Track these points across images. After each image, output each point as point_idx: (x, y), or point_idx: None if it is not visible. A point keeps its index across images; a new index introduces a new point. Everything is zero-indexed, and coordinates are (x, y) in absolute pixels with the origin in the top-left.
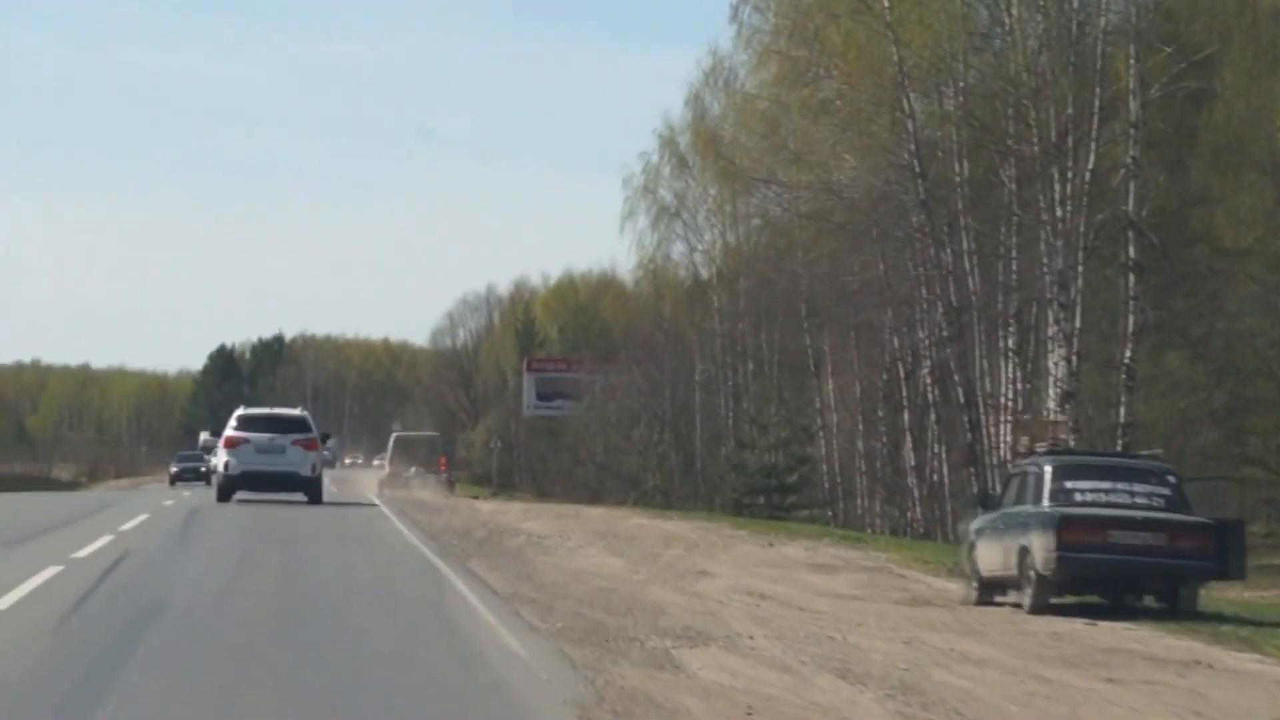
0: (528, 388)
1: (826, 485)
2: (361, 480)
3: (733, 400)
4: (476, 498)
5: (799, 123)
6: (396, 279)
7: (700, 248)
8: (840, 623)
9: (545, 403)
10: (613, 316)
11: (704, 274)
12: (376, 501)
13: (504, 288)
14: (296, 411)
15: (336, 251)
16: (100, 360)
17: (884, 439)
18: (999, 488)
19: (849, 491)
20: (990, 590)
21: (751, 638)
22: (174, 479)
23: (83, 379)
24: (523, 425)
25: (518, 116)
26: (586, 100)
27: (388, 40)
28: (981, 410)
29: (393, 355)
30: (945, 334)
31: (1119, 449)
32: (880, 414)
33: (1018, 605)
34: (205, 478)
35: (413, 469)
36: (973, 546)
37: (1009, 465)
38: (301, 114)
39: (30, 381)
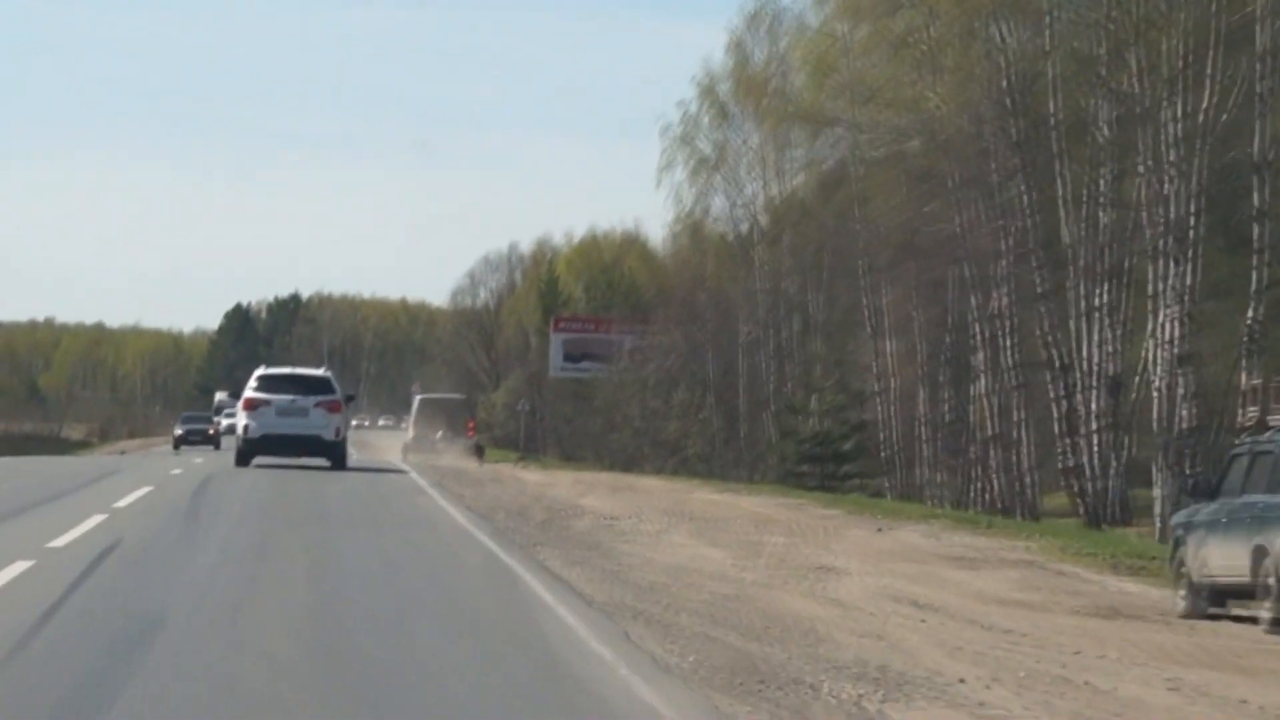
0: (554, 348)
1: (884, 454)
2: (382, 443)
3: (774, 362)
4: (520, 464)
5: (872, 58)
6: (414, 238)
7: (741, 202)
8: (1059, 651)
9: (573, 364)
10: (639, 276)
11: (745, 229)
12: (405, 468)
13: (526, 246)
14: (319, 371)
15: (354, 210)
16: (115, 319)
17: (948, 404)
18: (1187, 468)
19: (908, 460)
20: (1207, 598)
21: (963, 681)
22: (178, 442)
23: (96, 337)
24: (548, 387)
25: (539, 84)
26: (606, 66)
27: (412, 9)
28: (1080, 374)
29: (410, 315)
30: (1041, 290)
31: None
32: (943, 378)
33: (1248, 619)
34: (214, 440)
35: (439, 433)
36: (1181, 543)
37: (1236, 442)
38: (322, 78)
39: (43, 339)
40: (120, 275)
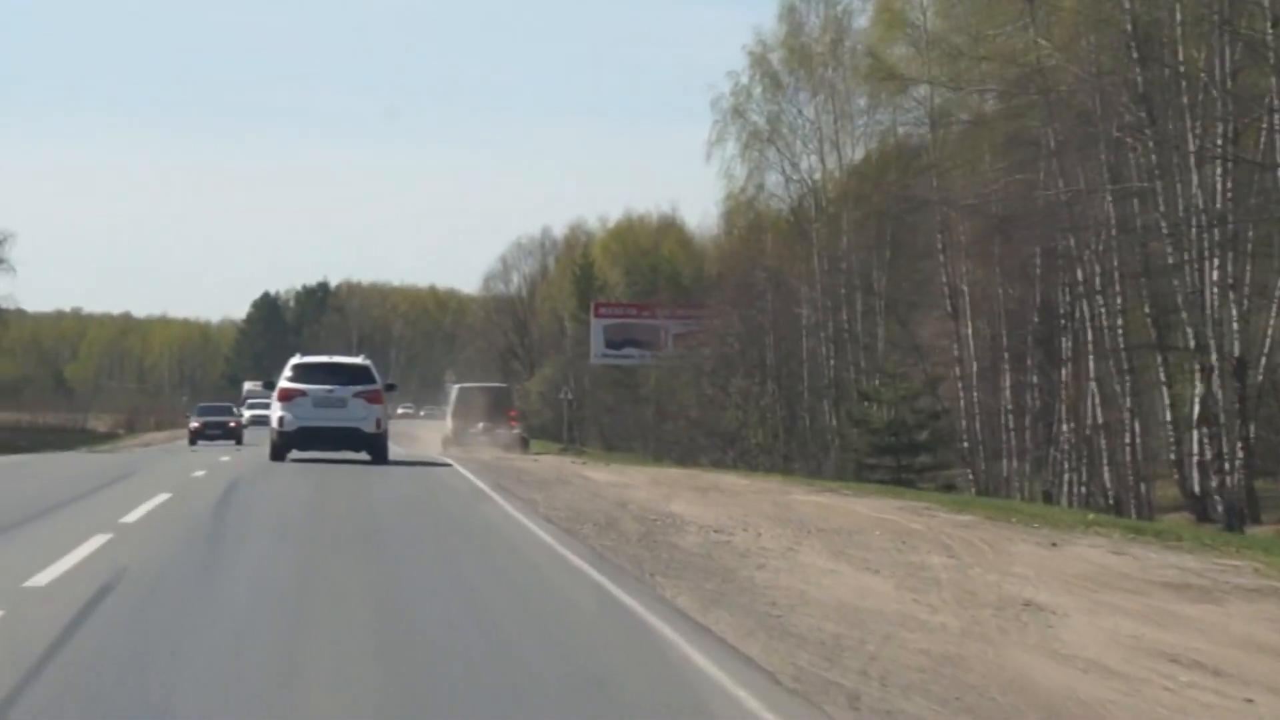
0: (595, 334)
1: (965, 444)
2: (419, 434)
3: (833, 347)
4: (581, 459)
5: (962, 8)
6: (444, 224)
7: (796, 177)
8: None
9: (615, 350)
10: (679, 260)
11: (802, 205)
12: (450, 461)
13: (559, 231)
14: (358, 360)
15: (383, 197)
16: (142, 309)
17: (1037, 390)
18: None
19: (992, 452)
20: None
21: None
22: (194, 437)
23: (123, 327)
24: (587, 374)
25: (567, 69)
26: (633, 52)
27: None
28: (1214, 356)
29: (440, 302)
30: (1153, 263)
31: None
32: (1030, 361)
33: None
34: (235, 434)
35: (480, 424)
36: None
37: None
38: (349, 63)
39: (70, 329)
40: (147, 265)
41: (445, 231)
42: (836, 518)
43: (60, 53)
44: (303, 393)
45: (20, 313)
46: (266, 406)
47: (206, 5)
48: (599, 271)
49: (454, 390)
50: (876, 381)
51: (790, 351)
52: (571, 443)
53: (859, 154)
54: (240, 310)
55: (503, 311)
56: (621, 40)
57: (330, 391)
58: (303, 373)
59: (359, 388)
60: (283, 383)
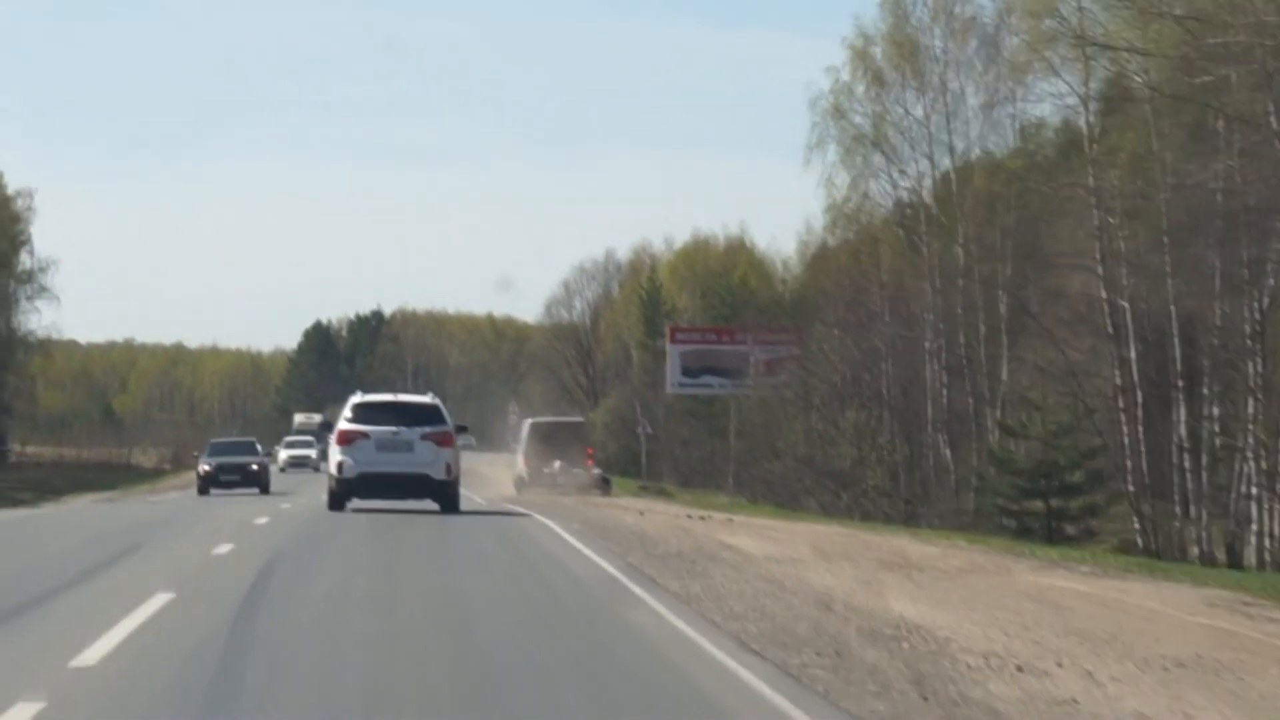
0: (672, 362)
1: (1130, 487)
2: (482, 470)
3: (946, 374)
4: (698, 515)
5: None
6: (501, 250)
7: (904, 184)
8: None
9: (692, 379)
10: (752, 283)
11: (912, 214)
12: (536, 514)
13: (624, 254)
14: (426, 399)
15: (438, 223)
16: (194, 339)
17: (1216, 423)
18: None
19: (1159, 495)
20: None
21: None
22: (205, 484)
23: (173, 357)
24: (658, 405)
25: (609, 96)
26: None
27: (494, 13)
28: None
29: (498, 331)
30: None
31: None
32: (1208, 390)
33: None
34: (258, 480)
35: (556, 463)
36: None
37: None
38: (402, 89)
39: (119, 360)
40: (199, 294)
41: (502, 258)
42: (1155, 629)
43: (109, 82)
44: (364, 435)
45: (71, 343)
46: (308, 446)
47: (260, 32)
48: (667, 295)
49: (525, 426)
50: (999, 412)
51: (910, 380)
52: (651, 480)
53: (975, 155)
54: (292, 340)
55: (565, 339)
56: (680, 63)
57: (395, 434)
58: (364, 413)
59: (427, 429)
60: (342, 424)
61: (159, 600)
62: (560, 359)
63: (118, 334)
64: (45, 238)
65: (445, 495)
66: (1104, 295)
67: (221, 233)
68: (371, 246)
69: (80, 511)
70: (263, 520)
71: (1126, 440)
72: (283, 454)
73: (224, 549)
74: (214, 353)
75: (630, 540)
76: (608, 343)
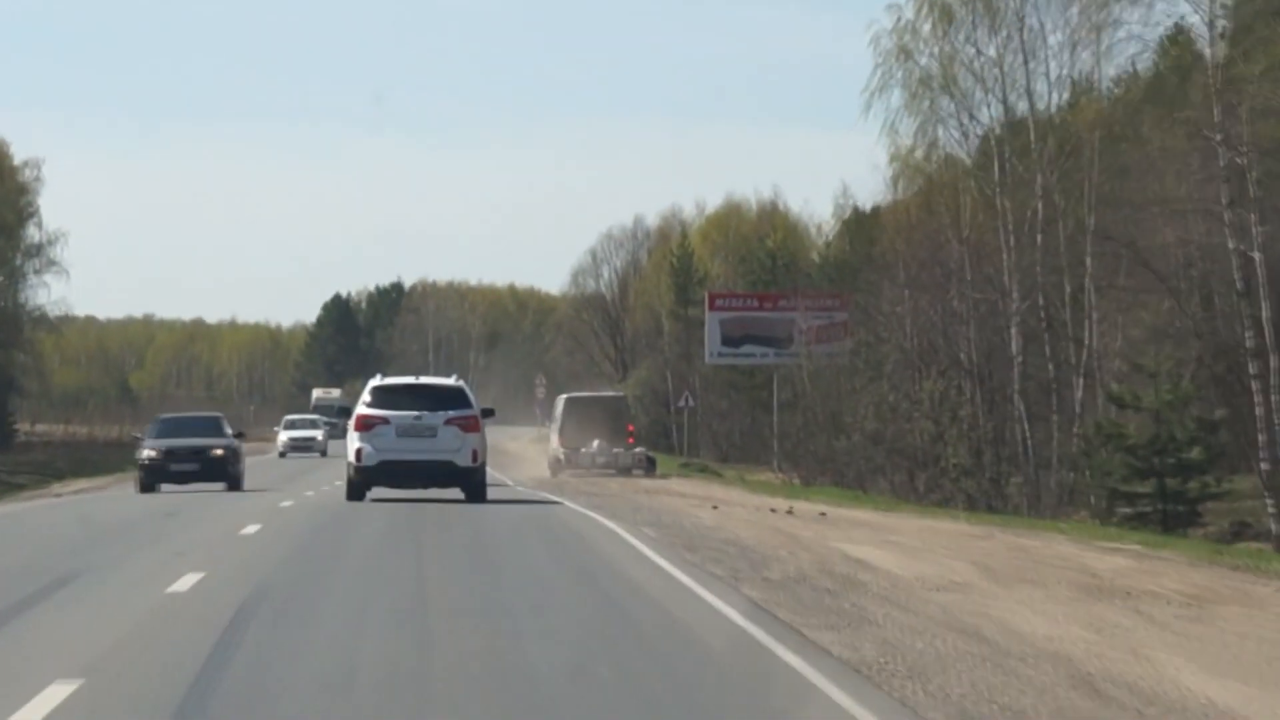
0: (711, 330)
1: (1263, 464)
2: (510, 448)
3: (1022, 340)
4: (784, 509)
5: None
6: (524, 220)
7: (977, 131)
8: None
9: (732, 348)
10: (790, 248)
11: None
12: (573, 501)
13: (652, 220)
14: (450, 381)
15: (459, 192)
16: (213, 314)
17: None
18: None
19: None
20: None
21: None
22: (149, 477)
23: (191, 333)
24: (695, 376)
25: (637, 68)
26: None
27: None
28: None
29: (520, 302)
30: None
31: None
32: None
33: None
34: (220, 471)
35: (595, 442)
36: None
37: None
38: (420, 62)
39: (136, 336)
40: (218, 269)
41: (525, 227)
42: None
43: (129, 58)
44: (385, 420)
45: (89, 320)
46: (313, 426)
47: (286, 7)
48: (699, 262)
49: (560, 402)
50: (1084, 378)
51: (994, 347)
52: (688, 456)
53: (1058, 99)
54: (311, 314)
55: (593, 309)
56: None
57: (418, 418)
58: (384, 396)
59: (451, 413)
60: (361, 409)
61: (54, 696)
62: (587, 330)
63: (138, 310)
64: (59, 211)
65: (471, 483)
66: (1232, 246)
67: (241, 206)
68: (392, 217)
69: (49, 514)
70: (253, 529)
71: (1260, 412)
72: (282, 435)
73: (188, 582)
74: (233, 327)
75: (728, 554)
76: (637, 312)
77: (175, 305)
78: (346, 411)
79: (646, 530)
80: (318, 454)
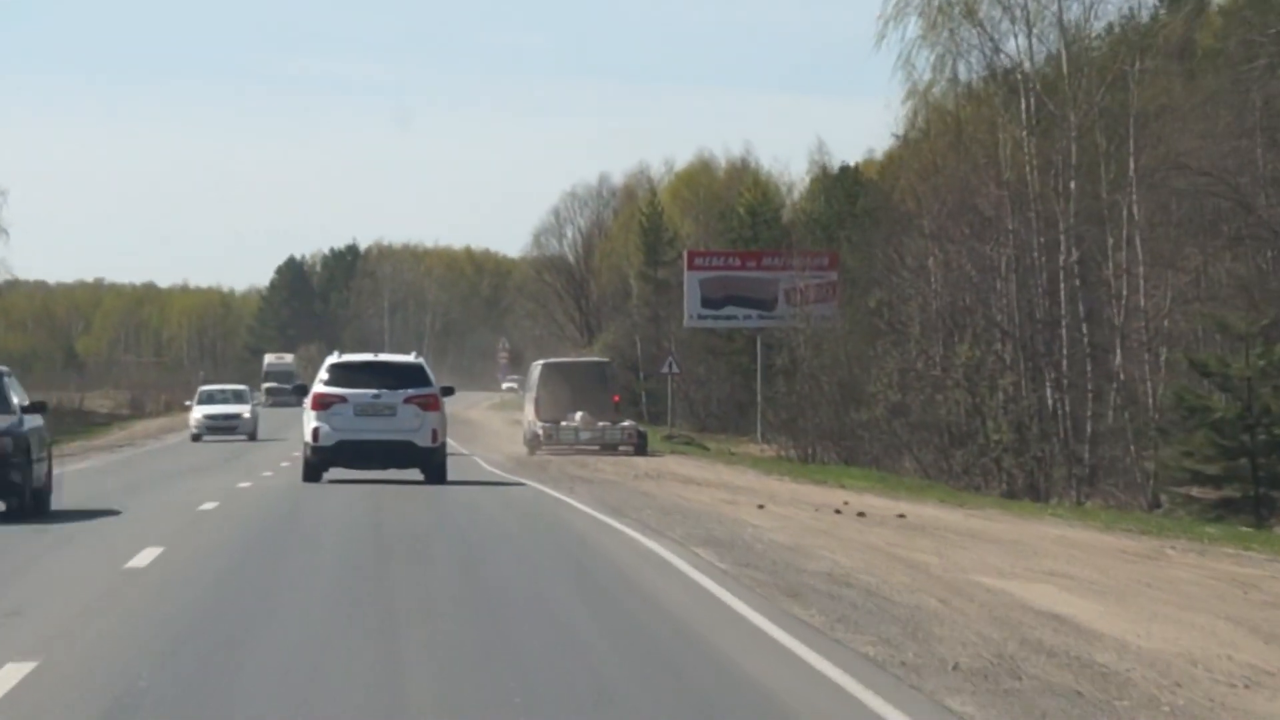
0: (690, 291)
1: None
2: (474, 418)
3: (1048, 299)
4: (865, 515)
5: None
6: (482, 182)
7: (1002, 64)
8: None
9: (713, 310)
10: (762, 206)
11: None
12: (569, 496)
13: (619, 179)
14: (409, 358)
15: (415, 153)
16: (166, 279)
17: None
18: None
19: None
20: None
21: None
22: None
23: (140, 296)
24: (669, 339)
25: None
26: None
27: None
28: None
29: (477, 265)
30: None
31: None
32: None
33: None
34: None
35: (577, 414)
36: None
37: None
38: (371, 24)
39: (84, 300)
40: (169, 232)
41: (483, 189)
42: None
43: (80, 18)
44: (342, 399)
45: (39, 284)
46: (239, 400)
47: None
48: (669, 221)
49: (536, 369)
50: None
51: (1038, 305)
52: (659, 424)
53: (1095, 27)
54: (264, 277)
55: (556, 270)
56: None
57: (376, 397)
58: (342, 374)
59: (410, 392)
60: (318, 387)
61: None
62: (550, 292)
63: (89, 274)
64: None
65: (431, 464)
66: None
67: (194, 167)
68: (346, 180)
69: None
70: (210, 507)
71: None
72: (196, 412)
73: (138, 561)
74: (183, 292)
75: (851, 604)
76: (603, 274)
77: (127, 269)
78: (303, 390)
79: (702, 553)
80: (244, 436)
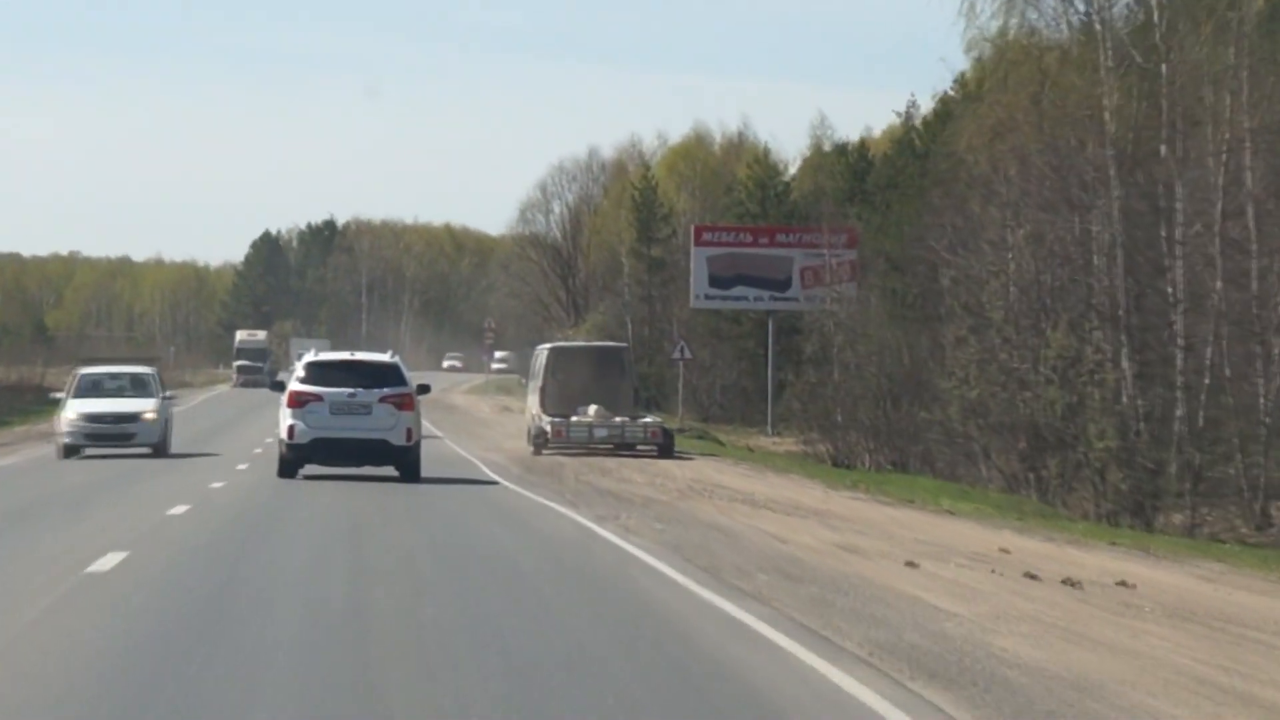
0: (697, 269)
1: None
2: (457, 403)
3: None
4: (1078, 584)
5: None
6: (463, 158)
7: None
8: None
9: (722, 290)
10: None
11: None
12: (594, 524)
13: (609, 152)
14: (385, 357)
15: (395, 128)
16: (141, 252)
17: None
18: None
19: None
20: None
21: None
22: None
23: (113, 270)
24: (672, 321)
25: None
26: None
27: None
28: None
29: (457, 242)
30: None
31: None
32: None
33: None
34: None
35: (591, 408)
36: None
37: None
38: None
39: (56, 273)
40: (144, 206)
41: (465, 165)
42: None
43: None
44: (318, 397)
45: (14, 256)
46: (141, 391)
47: None
48: (664, 196)
49: (541, 355)
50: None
51: (1145, 287)
52: (660, 412)
53: None
54: (239, 252)
55: (541, 248)
56: None
57: (352, 395)
58: (318, 372)
59: (386, 391)
60: (294, 385)
61: None
62: (535, 270)
63: (63, 247)
64: None
65: (406, 462)
66: None
67: (170, 140)
68: (324, 155)
69: None
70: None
71: None
72: (69, 410)
73: None
74: (156, 266)
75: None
76: (591, 251)
77: (101, 243)
78: (280, 386)
79: (917, 689)
80: (145, 449)
